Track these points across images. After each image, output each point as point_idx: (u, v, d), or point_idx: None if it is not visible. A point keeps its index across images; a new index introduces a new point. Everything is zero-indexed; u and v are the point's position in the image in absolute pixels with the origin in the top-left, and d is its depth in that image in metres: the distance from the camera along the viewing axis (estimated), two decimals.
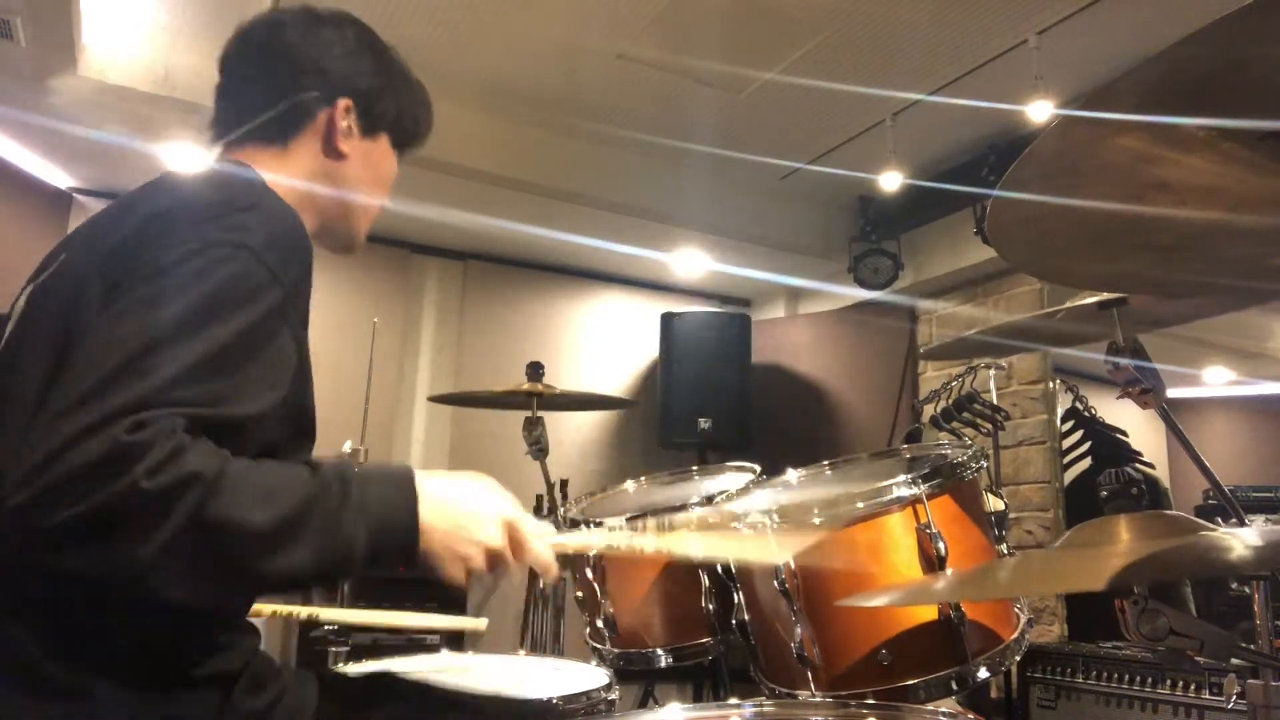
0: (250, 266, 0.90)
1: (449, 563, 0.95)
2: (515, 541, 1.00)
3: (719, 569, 1.68)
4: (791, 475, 1.86)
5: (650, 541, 1.12)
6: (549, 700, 1.35)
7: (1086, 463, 3.98)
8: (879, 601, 1.38)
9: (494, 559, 0.98)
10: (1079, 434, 4.01)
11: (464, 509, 0.97)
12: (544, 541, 1.04)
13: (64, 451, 0.75)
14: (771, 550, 1.35)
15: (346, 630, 2.06)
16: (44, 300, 0.99)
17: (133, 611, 0.88)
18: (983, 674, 1.39)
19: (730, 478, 2.12)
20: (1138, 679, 2.27)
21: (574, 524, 1.95)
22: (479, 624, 1.60)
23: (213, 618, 0.98)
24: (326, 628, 2.06)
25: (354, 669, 1.63)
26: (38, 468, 0.75)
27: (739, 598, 1.60)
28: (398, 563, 0.93)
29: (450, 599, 3.87)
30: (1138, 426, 4.05)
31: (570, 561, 2.05)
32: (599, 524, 1.89)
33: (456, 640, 3.78)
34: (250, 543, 0.80)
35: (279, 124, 1.15)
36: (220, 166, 1.13)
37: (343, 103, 1.17)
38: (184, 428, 0.79)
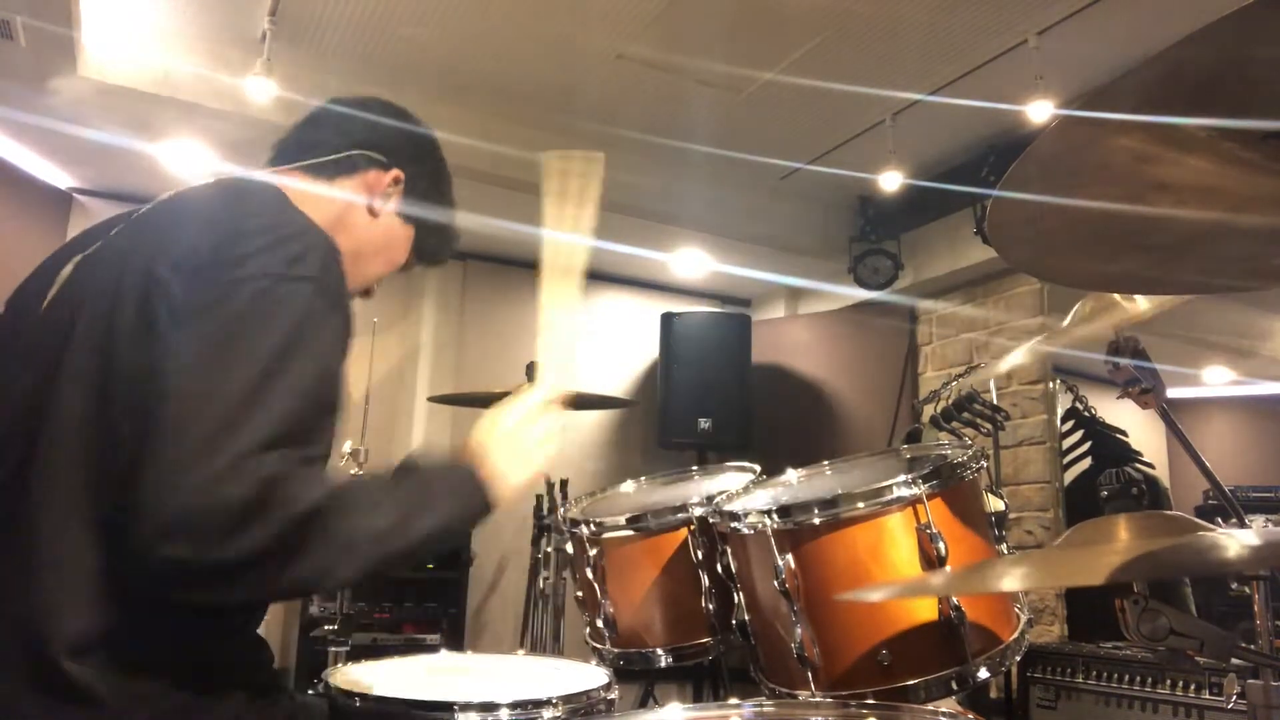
0: (316, 295, 0.96)
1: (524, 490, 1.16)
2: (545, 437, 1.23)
3: (719, 569, 1.68)
4: (791, 475, 1.86)
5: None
6: (547, 700, 1.35)
7: (1086, 463, 3.98)
8: (877, 596, 1.38)
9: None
10: (1079, 434, 4.01)
11: (516, 476, 1.15)
12: (542, 423, 1.27)
13: (218, 490, 0.81)
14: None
15: (347, 630, 2.06)
16: (95, 274, 1.01)
17: (154, 629, 0.90)
18: (983, 674, 1.39)
19: (730, 478, 2.12)
20: (1138, 679, 2.27)
21: (574, 524, 1.95)
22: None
23: (231, 635, 1.00)
24: (326, 628, 2.06)
25: (352, 670, 1.63)
26: (196, 510, 0.81)
27: (739, 598, 1.60)
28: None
29: (450, 599, 3.88)
30: (1138, 426, 4.05)
31: (570, 561, 2.05)
32: (598, 524, 1.89)
33: (457, 640, 3.78)
34: (375, 542, 0.94)
35: (334, 166, 1.23)
36: (264, 185, 1.14)
37: (394, 173, 1.26)
38: (297, 455, 0.89)
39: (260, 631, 1.09)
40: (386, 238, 1.28)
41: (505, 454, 1.15)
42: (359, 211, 1.24)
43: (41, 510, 0.90)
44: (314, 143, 1.24)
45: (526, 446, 1.19)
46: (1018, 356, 1.88)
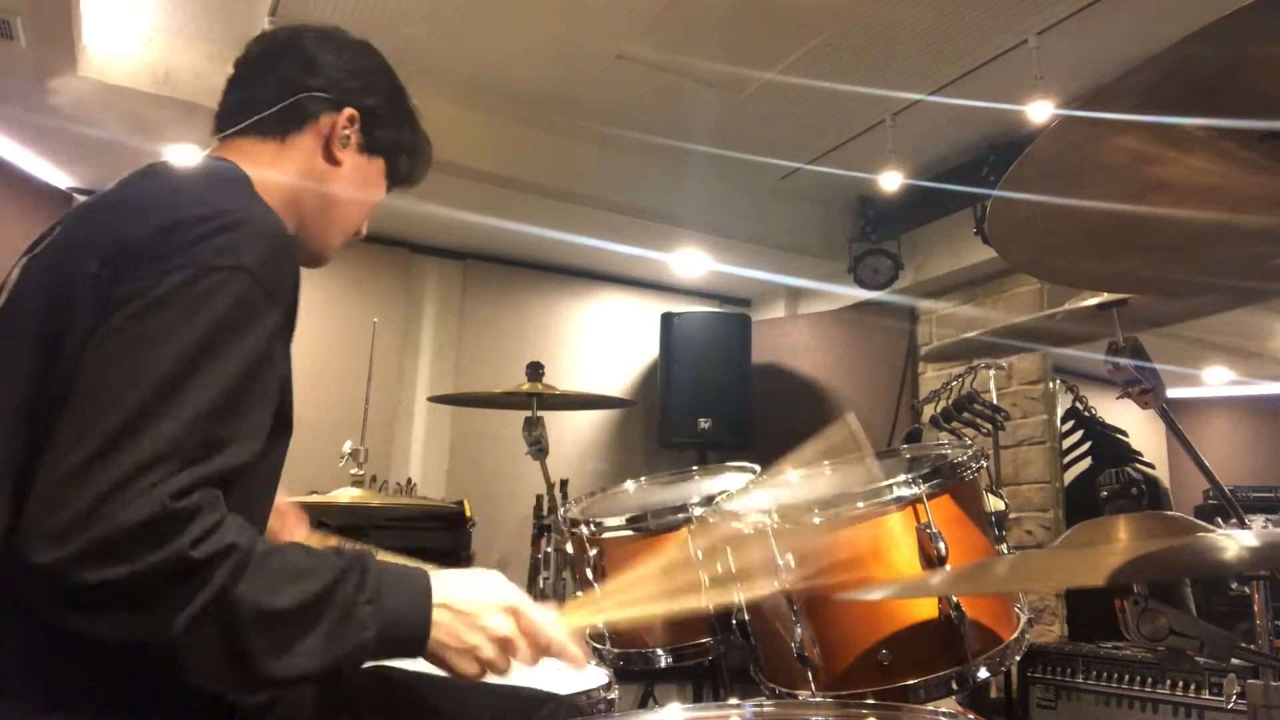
0: (248, 289, 0.90)
1: (458, 655, 0.94)
2: (525, 629, 0.98)
3: (719, 568, 1.68)
4: (791, 475, 1.86)
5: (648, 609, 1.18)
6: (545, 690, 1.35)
7: (1086, 463, 3.98)
8: (877, 594, 1.38)
9: (503, 646, 0.96)
10: (1079, 434, 4.01)
11: (469, 597, 0.95)
12: (555, 626, 1.01)
13: (103, 508, 0.75)
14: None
15: None
16: (39, 275, 0.98)
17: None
18: (983, 674, 1.39)
19: (730, 478, 2.12)
20: (1138, 679, 2.27)
21: (574, 524, 1.95)
22: None
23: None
24: None
25: None
26: (75, 524, 0.74)
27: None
28: (406, 656, 0.93)
29: None
30: (1138, 426, 4.05)
31: (570, 561, 2.05)
32: (598, 524, 1.88)
33: None
34: (268, 625, 0.80)
35: (281, 119, 1.16)
36: (209, 166, 1.12)
37: (348, 111, 1.19)
38: (217, 492, 0.81)
39: None
40: (357, 179, 1.21)
41: (465, 602, 0.95)
42: (319, 162, 1.18)
43: None
44: (254, 100, 1.17)
45: (489, 619, 0.95)
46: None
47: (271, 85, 1.17)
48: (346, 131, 1.19)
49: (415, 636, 0.91)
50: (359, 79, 1.21)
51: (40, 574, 0.75)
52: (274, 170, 1.14)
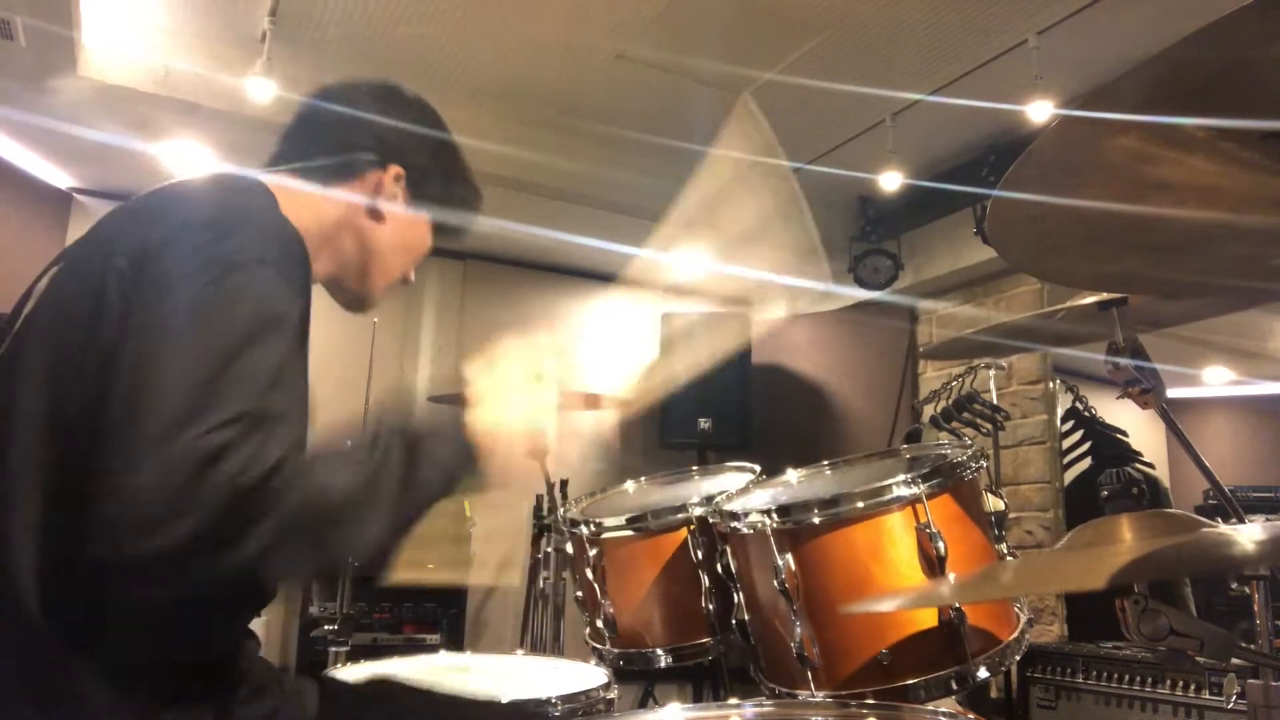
0: (275, 282, 0.93)
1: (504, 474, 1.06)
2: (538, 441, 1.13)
3: (719, 569, 1.68)
4: (791, 475, 1.86)
5: None
6: (547, 700, 1.35)
7: (1086, 463, 3.98)
8: (884, 607, 1.38)
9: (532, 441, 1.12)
10: (1079, 434, 4.01)
11: (496, 431, 1.07)
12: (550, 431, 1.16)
13: (185, 493, 0.77)
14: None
15: (347, 630, 2.07)
16: (66, 279, 1.00)
17: (136, 620, 0.87)
18: (983, 674, 1.39)
19: (730, 478, 2.12)
20: (1138, 679, 2.27)
21: (574, 524, 1.95)
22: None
23: (220, 624, 0.98)
24: (326, 628, 2.06)
25: (353, 670, 1.63)
26: (165, 515, 0.76)
27: (739, 598, 1.60)
28: (463, 491, 1.03)
29: (450, 599, 3.88)
30: (1138, 426, 4.05)
31: (570, 561, 2.05)
32: (598, 524, 1.89)
33: (456, 640, 3.78)
34: (335, 515, 0.86)
35: (326, 172, 1.18)
36: (236, 178, 1.13)
37: (394, 170, 1.21)
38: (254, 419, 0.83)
39: (260, 640, 1.09)
40: (401, 235, 1.24)
41: (500, 404, 1.08)
42: (361, 215, 1.20)
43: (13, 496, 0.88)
44: (305, 148, 1.20)
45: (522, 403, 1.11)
46: None
47: (325, 136, 1.20)
48: (392, 189, 1.21)
49: (462, 476, 1.02)
50: (410, 137, 1.23)
51: (139, 561, 0.77)
52: (310, 211, 1.15)
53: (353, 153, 1.19)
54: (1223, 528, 1.01)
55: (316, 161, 1.17)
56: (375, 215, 1.21)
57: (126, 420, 0.81)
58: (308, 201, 1.16)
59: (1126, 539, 1.05)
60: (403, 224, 1.24)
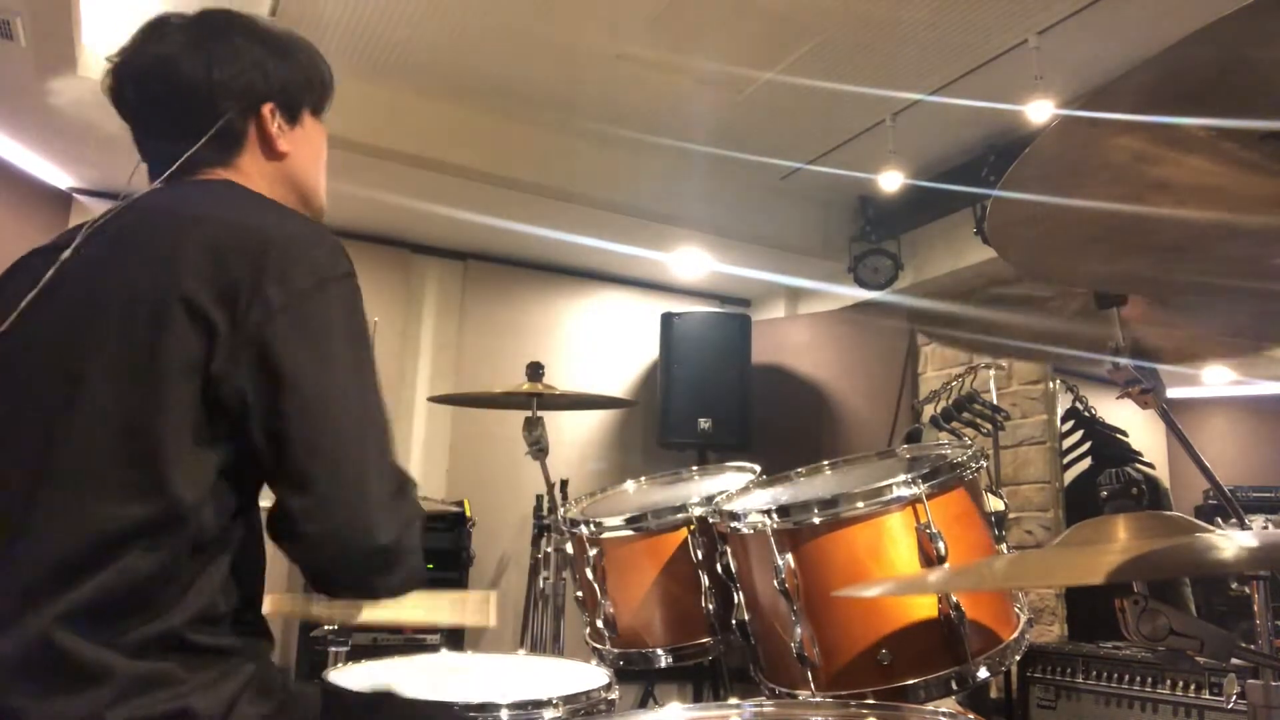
0: (357, 287, 1.05)
1: None
2: None
3: (719, 569, 1.68)
4: (791, 475, 1.86)
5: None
6: (547, 700, 1.35)
7: (1086, 463, 3.98)
8: (875, 591, 1.38)
9: None
10: (1079, 434, 4.01)
11: None
12: None
13: (393, 520, 0.99)
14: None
15: (347, 630, 2.06)
16: (104, 286, 1.00)
17: (155, 606, 0.92)
18: (983, 674, 1.40)
19: (730, 478, 2.12)
20: (1138, 679, 2.27)
21: (574, 524, 1.95)
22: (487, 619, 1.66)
23: (242, 614, 1.02)
24: (327, 628, 2.06)
25: (353, 670, 1.63)
26: (382, 529, 0.97)
27: (739, 598, 1.61)
28: None
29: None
30: (1138, 426, 4.05)
31: (570, 561, 2.05)
32: (598, 524, 1.89)
33: (456, 640, 3.78)
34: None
35: (216, 148, 1.16)
36: (236, 189, 1.15)
37: (265, 108, 1.19)
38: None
39: (275, 639, 1.10)
40: (303, 152, 1.24)
41: None
42: (268, 164, 1.20)
43: (67, 477, 0.92)
44: (176, 145, 1.14)
45: None
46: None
47: (182, 129, 1.15)
48: (274, 125, 1.20)
49: None
50: (251, 73, 1.18)
51: (372, 549, 0.96)
52: (256, 183, 1.18)
53: (224, 117, 1.15)
54: (1216, 532, 1.01)
55: (195, 147, 1.13)
56: (274, 154, 1.21)
57: (314, 458, 0.96)
58: (243, 181, 1.16)
59: (1121, 539, 1.05)
60: (300, 140, 1.24)
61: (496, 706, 1.32)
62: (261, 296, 0.95)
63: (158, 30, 1.18)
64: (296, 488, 0.95)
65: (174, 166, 1.13)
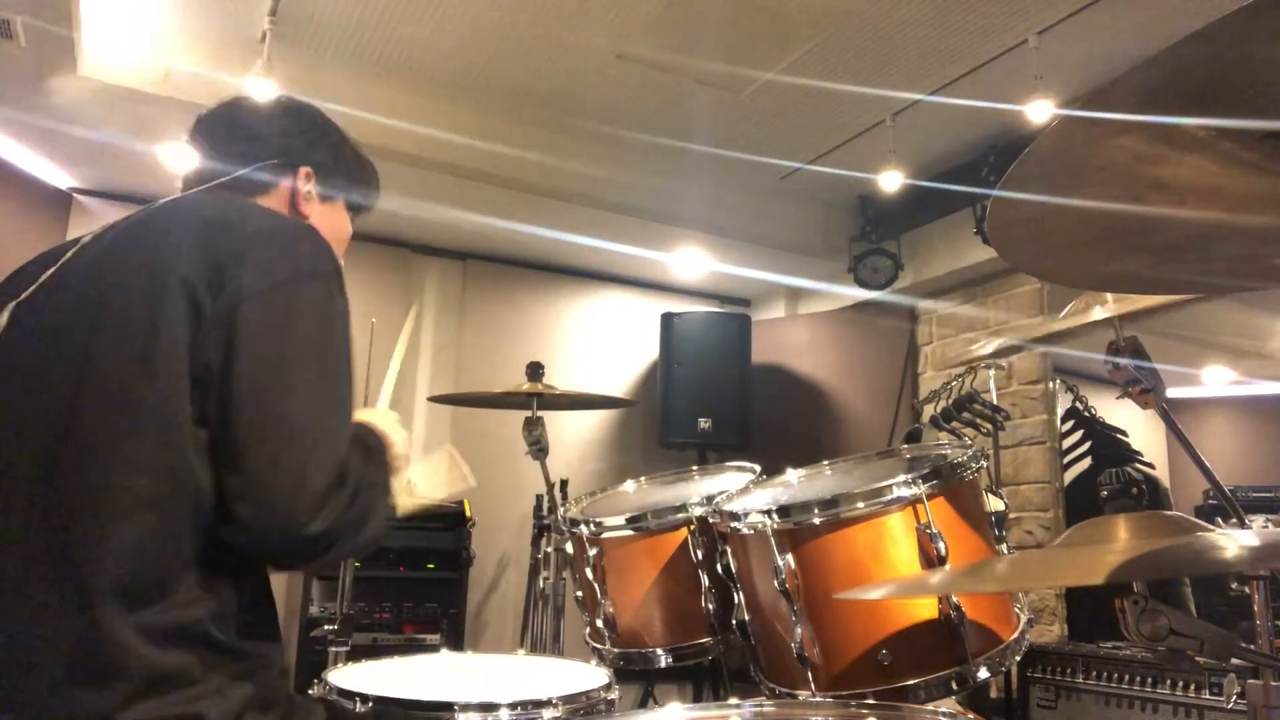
0: (339, 288, 1.10)
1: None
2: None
3: (719, 569, 1.68)
4: (791, 475, 1.86)
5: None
6: (547, 700, 1.35)
7: (1086, 463, 3.98)
8: (876, 594, 1.38)
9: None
10: (1079, 434, 4.01)
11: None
12: None
13: (318, 501, 0.98)
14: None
15: (347, 630, 2.06)
16: (110, 287, 1.04)
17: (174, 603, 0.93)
18: (983, 674, 1.40)
19: (730, 478, 2.12)
20: (1138, 679, 2.27)
21: (574, 523, 1.95)
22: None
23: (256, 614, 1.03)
24: (326, 628, 2.06)
25: (353, 670, 1.63)
26: (310, 509, 0.97)
27: (739, 598, 1.61)
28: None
29: (450, 599, 3.88)
30: (1138, 426, 4.05)
31: (570, 561, 2.05)
32: (598, 524, 1.89)
33: (456, 640, 3.78)
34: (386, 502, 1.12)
35: (248, 186, 1.26)
36: (237, 199, 1.23)
37: (303, 170, 1.31)
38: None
39: (284, 647, 1.10)
40: (329, 224, 1.33)
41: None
42: (291, 216, 1.29)
43: (84, 475, 0.94)
44: (220, 165, 1.27)
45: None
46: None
47: (227, 159, 1.27)
48: (306, 187, 1.30)
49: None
50: (302, 140, 1.32)
51: (299, 539, 0.97)
52: None
53: (263, 161, 1.27)
54: (1216, 532, 1.01)
55: (231, 176, 1.25)
56: (300, 214, 1.30)
57: (261, 439, 0.97)
58: None
59: (1121, 539, 1.05)
60: (324, 214, 1.33)
61: (496, 706, 1.31)
62: (238, 280, 1.00)
63: (251, 97, 1.40)
64: (235, 465, 0.97)
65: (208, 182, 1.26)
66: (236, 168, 1.26)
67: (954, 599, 1.38)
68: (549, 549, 3.21)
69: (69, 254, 1.10)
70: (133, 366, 0.97)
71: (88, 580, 0.90)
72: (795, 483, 1.83)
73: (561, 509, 2.43)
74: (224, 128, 1.30)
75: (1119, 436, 3.93)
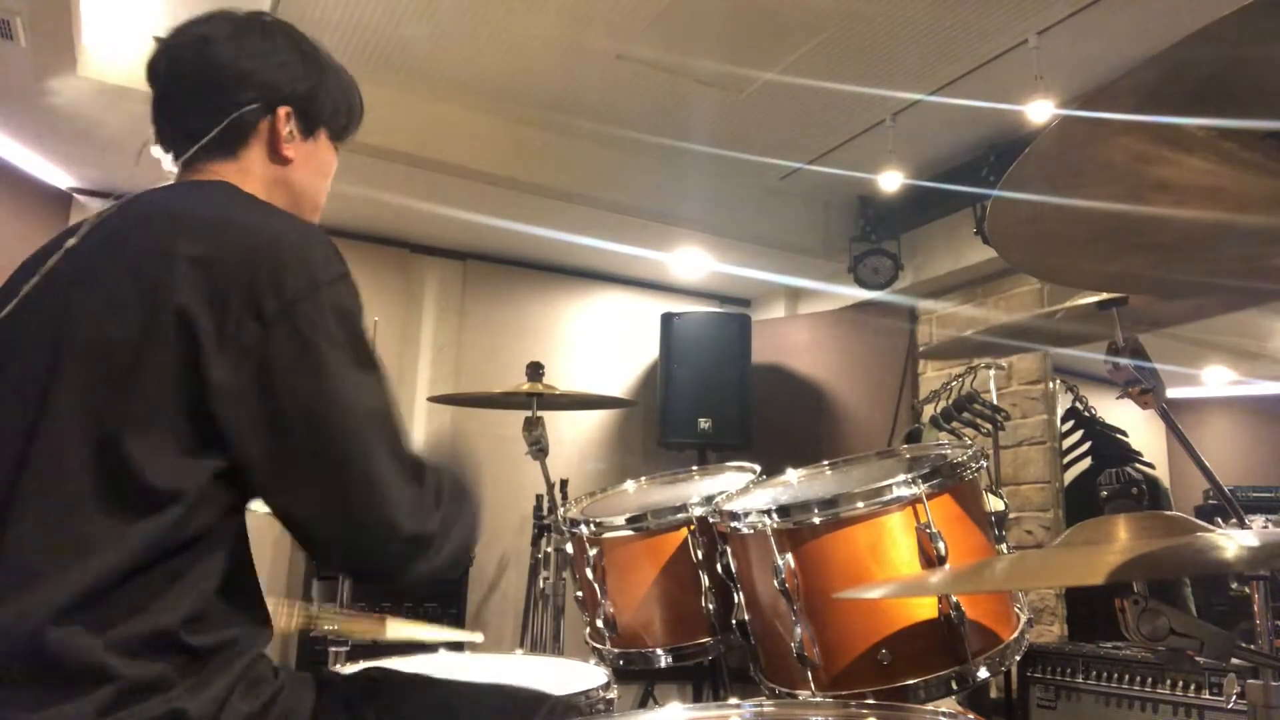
0: (353, 288, 1.06)
1: None
2: None
3: (719, 569, 1.68)
4: (791, 475, 1.86)
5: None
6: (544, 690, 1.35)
7: (1086, 463, 3.98)
8: (876, 593, 1.38)
9: None
10: (1079, 434, 4.01)
11: None
12: None
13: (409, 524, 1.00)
14: None
15: (347, 630, 2.06)
16: (87, 294, 1.00)
17: (149, 598, 0.90)
18: (983, 674, 1.39)
19: (730, 478, 2.12)
20: (1138, 679, 2.27)
21: (574, 524, 1.95)
22: (474, 636, 1.69)
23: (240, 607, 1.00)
24: (326, 628, 2.06)
25: (353, 669, 1.63)
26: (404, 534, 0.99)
27: (739, 598, 1.60)
28: None
29: (450, 599, 3.88)
30: (1138, 426, 4.05)
31: (570, 561, 2.05)
32: (598, 524, 1.89)
33: (456, 641, 3.78)
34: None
35: (226, 139, 1.18)
36: (226, 189, 1.16)
37: (282, 111, 1.20)
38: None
39: (273, 630, 1.09)
40: (310, 165, 1.25)
41: None
42: (272, 167, 1.21)
43: (45, 477, 0.91)
44: (189, 130, 1.18)
45: None
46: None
47: (200, 109, 1.18)
48: (286, 129, 1.20)
49: None
50: (279, 72, 1.20)
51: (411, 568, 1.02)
52: (244, 187, 1.17)
53: (239, 109, 1.17)
54: (1216, 532, 1.01)
55: (209, 136, 1.16)
56: (280, 159, 1.21)
57: (330, 459, 0.96)
58: (237, 179, 1.16)
59: (1121, 539, 1.05)
60: (308, 154, 1.24)
61: None
62: (256, 307, 0.94)
63: (209, 17, 1.23)
64: (302, 499, 0.96)
65: (188, 153, 1.18)
66: (207, 122, 1.16)
67: (954, 599, 1.38)
68: (549, 549, 3.21)
69: (71, 242, 1.06)
70: (106, 392, 0.93)
71: (52, 600, 0.86)
72: (795, 483, 1.83)
73: (561, 509, 2.43)
74: (191, 73, 1.19)
75: (1119, 436, 3.93)
